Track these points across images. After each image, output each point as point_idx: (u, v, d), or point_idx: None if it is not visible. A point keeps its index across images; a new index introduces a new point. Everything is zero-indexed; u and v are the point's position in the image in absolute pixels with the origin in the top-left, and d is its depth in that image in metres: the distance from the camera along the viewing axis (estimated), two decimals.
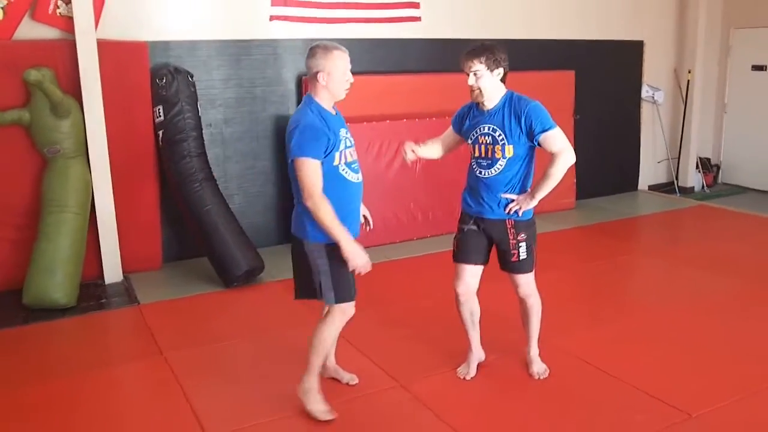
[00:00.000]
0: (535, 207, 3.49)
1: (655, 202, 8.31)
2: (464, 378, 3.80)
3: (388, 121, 6.38)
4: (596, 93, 7.92)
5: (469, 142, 3.55)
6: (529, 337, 3.80)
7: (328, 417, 3.36)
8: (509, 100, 3.44)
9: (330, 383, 3.70)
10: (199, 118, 5.63)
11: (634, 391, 3.63)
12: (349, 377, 3.79)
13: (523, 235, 3.50)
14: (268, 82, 6.23)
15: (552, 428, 3.35)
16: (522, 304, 3.72)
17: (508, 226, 3.49)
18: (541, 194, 3.42)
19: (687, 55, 8.71)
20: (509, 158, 3.39)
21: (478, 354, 3.87)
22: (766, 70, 8.69)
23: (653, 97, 8.55)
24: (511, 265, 3.57)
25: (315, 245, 3.30)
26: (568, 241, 6.60)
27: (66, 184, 5.05)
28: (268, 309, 4.96)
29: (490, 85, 3.39)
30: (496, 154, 3.41)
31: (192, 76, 5.61)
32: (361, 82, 6.52)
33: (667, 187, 8.96)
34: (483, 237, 3.59)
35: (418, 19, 6.82)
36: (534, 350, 3.82)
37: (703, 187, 8.98)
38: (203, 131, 5.68)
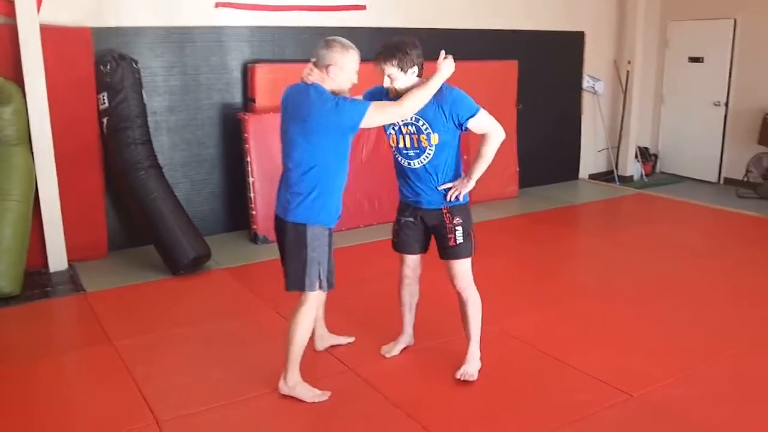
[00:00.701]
0: (469, 193, 3.52)
1: (595, 191, 8.57)
2: (385, 355, 3.93)
3: None
4: (538, 83, 8.10)
5: (391, 132, 3.50)
6: (468, 336, 3.71)
7: (325, 397, 3.47)
8: None
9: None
10: (144, 105, 5.58)
11: (576, 373, 3.77)
12: (347, 339, 4.09)
13: (458, 219, 3.50)
14: (213, 70, 6.20)
15: (494, 409, 3.46)
16: (459, 299, 3.66)
17: (444, 212, 3.50)
18: (477, 175, 3.46)
19: (626, 47, 8.97)
20: (437, 145, 3.40)
21: (407, 337, 4.00)
22: (702, 61, 9.01)
23: (594, 88, 8.78)
24: (448, 251, 3.54)
25: (320, 229, 3.33)
26: (512, 228, 6.76)
27: (9, 172, 4.96)
28: (216, 296, 4.98)
29: (405, 84, 3.33)
30: (422, 143, 3.40)
31: (136, 63, 5.55)
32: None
33: (607, 176, 9.22)
34: (420, 227, 3.62)
35: (363, 7, 6.88)
36: (472, 349, 3.72)
37: (641, 175, 9.27)
38: (148, 119, 5.63)
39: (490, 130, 3.44)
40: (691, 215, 7.34)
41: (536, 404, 3.48)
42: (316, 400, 3.45)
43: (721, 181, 9.00)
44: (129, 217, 5.78)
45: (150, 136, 5.59)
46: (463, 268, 3.58)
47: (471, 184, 3.48)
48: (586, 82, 8.73)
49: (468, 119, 3.37)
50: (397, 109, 3.25)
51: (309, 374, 3.66)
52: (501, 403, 3.51)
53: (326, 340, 4.03)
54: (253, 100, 6.19)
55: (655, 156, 9.65)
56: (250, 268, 5.59)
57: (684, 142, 9.38)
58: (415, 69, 3.35)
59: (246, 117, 6.03)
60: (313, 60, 3.29)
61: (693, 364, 3.89)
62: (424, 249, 3.71)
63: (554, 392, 3.59)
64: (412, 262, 3.74)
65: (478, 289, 3.67)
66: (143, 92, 5.58)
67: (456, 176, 3.51)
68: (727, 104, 8.81)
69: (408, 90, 3.31)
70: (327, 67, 3.24)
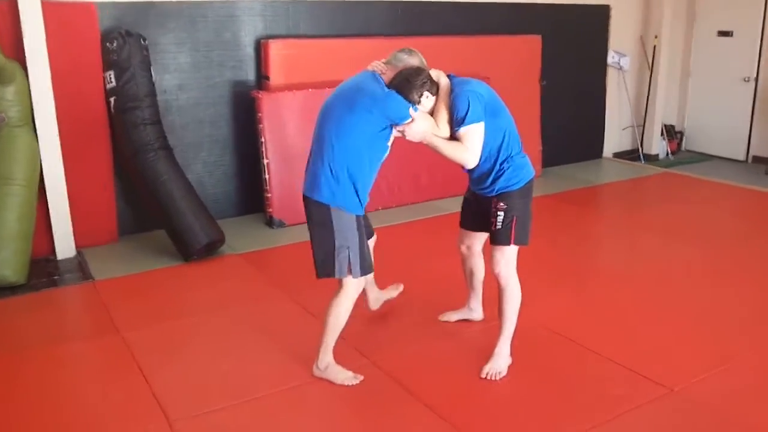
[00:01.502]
0: (525, 182, 3.40)
1: (620, 170, 8.27)
2: (440, 319, 4.03)
3: None
4: (562, 59, 7.79)
5: None
6: (501, 329, 3.52)
7: (356, 380, 3.40)
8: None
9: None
10: (153, 84, 5.34)
11: (611, 365, 3.55)
12: (397, 288, 4.23)
13: (502, 204, 3.37)
14: (225, 46, 5.94)
15: (524, 405, 3.25)
16: (498, 286, 3.49)
17: (493, 197, 3.42)
18: (433, 140, 3.26)
19: (653, 20, 8.61)
20: None
21: (467, 310, 4.03)
22: (731, 35, 8.65)
23: (619, 63, 8.46)
24: (491, 235, 3.46)
25: (350, 217, 3.25)
26: (536, 210, 6.42)
27: (12, 155, 4.75)
28: (230, 284, 4.76)
29: (427, 108, 3.32)
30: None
31: (144, 40, 5.31)
32: (323, 46, 6.35)
33: (631, 155, 8.92)
34: (474, 205, 3.62)
35: None
36: (501, 345, 3.51)
37: (667, 154, 8.97)
38: (157, 98, 5.39)
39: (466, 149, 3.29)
40: (719, 195, 7.05)
41: (570, 400, 3.26)
42: (347, 383, 3.37)
43: (749, 160, 8.68)
44: (139, 200, 5.57)
45: (159, 116, 5.36)
46: (499, 254, 3.42)
47: (414, 128, 3.22)
48: (611, 58, 8.40)
49: (456, 129, 3.27)
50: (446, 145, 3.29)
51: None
52: (531, 399, 3.29)
53: (380, 299, 4.11)
54: (267, 78, 5.94)
55: (681, 134, 9.33)
56: (266, 254, 5.37)
57: (711, 120, 9.04)
58: (428, 95, 3.29)
59: (260, 95, 5.79)
60: (388, 59, 3.36)
61: (734, 354, 3.68)
62: (478, 227, 3.65)
63: (589, 386, 3.38)
64: (466, 237, 3.78)
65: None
66: (152, 70, 5.35)
67: (503, 164, 3.36)
68: (756, 80, 8.46)
69: (433, 111, 3.33)
70: (399, 69, 3.29)
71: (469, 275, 3.92)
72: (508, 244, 3.39)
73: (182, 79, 5.79)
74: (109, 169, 5.46)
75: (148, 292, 4.62)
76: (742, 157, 8.74)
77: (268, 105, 5.79)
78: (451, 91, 3.29)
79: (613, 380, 3.41)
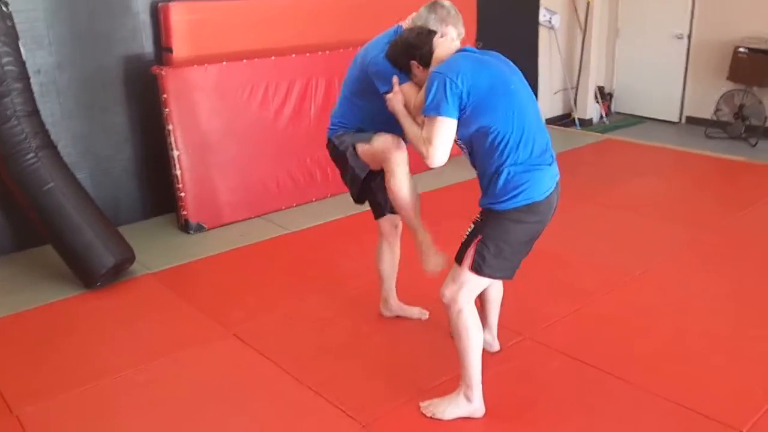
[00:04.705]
0: (518, 204, 2.55)
1: (557, 138, 7.40)
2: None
3: (273, 57, 5.15)
4: (495, 17, 7.02)
5: None
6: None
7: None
8: None
9: None
10: (23, 63, 4.11)
11: (652, 399, 2.86)
12: (419, 312, 3.55)
13: (478, 217, 2.65)
14: (112, 12, 4.78)
15: None
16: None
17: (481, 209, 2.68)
18: (402, 120, 2.71)
19: None
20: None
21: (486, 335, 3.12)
22: None
23: (550, 22, 7.80)
24: None
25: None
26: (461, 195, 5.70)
27: None
28: (150, 318, 3.73)
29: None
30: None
31: (7, 5, 4.06)
32: (235, 8, 5.25)
33: (564, 120, 8.35)
34: None
35: None
36: (456, 392, 2.78)
37: (601, 117, 8.45)
38: (30, 81, 4.18)
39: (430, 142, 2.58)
40: (673, 163, 6.54)
41: None
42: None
43: (683, 121, 8.30)
44: (20, 211, 4.37)
45: (36, 105, 4.14)
46: (451, 273, 2.69)
47: (391, 101, 2.75)
48: (543, 16, 7.73)
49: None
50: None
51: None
52: None
53: (393, 307, 3.55)
54: (170, 50, 4.82)
55: (610, 95, 8.83)
56: (187, 271, 4.34)
57: (642, 80, 8.55)
58: (415, 64, 2.69)
59: (162, 72, 4.67)
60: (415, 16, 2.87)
61: None
62: None
63: (627, 422, 2.70)
64: None
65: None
66: (20, 45, 4.13)
67: (503, 187, 2.54)
68: (689, 37, 8.03)
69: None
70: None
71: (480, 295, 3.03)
72: (460, 263, 2.63)
73: (61, 56, 4.60)
74: None
75: (43, 339, 3.51)
76: (675, 118, 8.33)
77: (174, 83, 4.70)
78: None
79: (663, 422, 2.72)
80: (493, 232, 2.56)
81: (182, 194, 4.82)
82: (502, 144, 2.49)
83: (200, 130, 4.84)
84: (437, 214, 4.44)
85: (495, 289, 3.07)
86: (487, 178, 2.57)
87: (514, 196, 2.51)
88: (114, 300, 3.93)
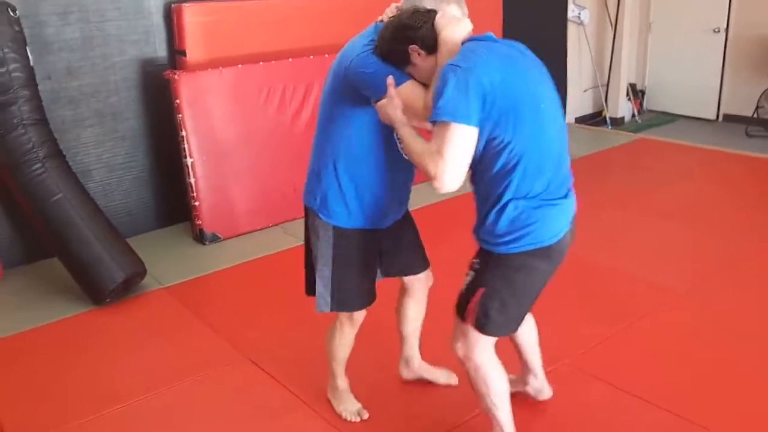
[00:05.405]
0: (523, 249, 2.12)
1: (588, 138, 7.28)
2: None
3: (290, 59, 4.93)
4: (522, 13, 6.74)
5: None
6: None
7: (358, 418, 2.75)
8: None
9: None
10: (32, 69, 3.94)
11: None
12: (447, 377, 2.92)
13: (477, 261, 2.21)
14: (125, 14, 4.58)
15: None
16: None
17: (477, 240, 2.23)
18: (401, 131, 2.08)
19: None
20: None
21: (521, 383, 2.73)
22: None
23: (579, 17, 7.51)
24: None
25: (323, 225, 2.43)
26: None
27: None
28: (163, 339, 3.53)
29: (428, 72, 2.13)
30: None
31: (14, 10, 3.89)
32: (252, 8, 5.04)
33: (594, 119, 8.04)
34: None
35: None
36: None
37: (633, 115, 8.13)
38: (38, 88, 4.00)
39: (439, 155, 2.01)
40: (716, 165, 6.10)
41: None
42: (345, 416, 2.75)
43: (720, 118, 7.95)
44: (27, 223, 4.20)
45: (44, 113, 3.97)
46: (458, 329, 2.29)
47: (384, 106, 2.10)
48: (572, 11, 7.44)
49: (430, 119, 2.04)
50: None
51: None
52: None
53: (415, 368, 2.93)
54: (183, 53, 4.63)
55: (642, 93, 8.51)
56: (202, 284, 4.15)
57: (676, 76, 8.20)
58: (416, 50, 2.10)
59: (175, 76, 4.47)
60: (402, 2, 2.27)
61: None
62: None
63: None
64: None
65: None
66: (28, 50, 3.95)
67: (502, 215, 2.09)
68: (727, 30, 7.67)
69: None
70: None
71: (512, 339, 2.61)
72: (463, 319, 2.25)
73: (71, 61, 4.42)
74: None
75: (50, 362, 3.34)
76: (712, 115, 7.98)
77: (188, 88, 4.50)
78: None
79: None
80: (497, 284, 2.16)
81: (196, 203, 4.63)
82: (518, 169, 2.03)
83: (215, 136, 4.64)
84: (444, 226, 4.26)
85: (527, 331, 2.58)
86: (489, 208, 2.10)
87: (519, 238, 2.09)
88: (124, 317, 3.74)
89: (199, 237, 4.69)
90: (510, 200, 2.06)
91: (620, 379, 2.94)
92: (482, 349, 2.26)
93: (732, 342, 3.24)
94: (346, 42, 2.34)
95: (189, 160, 4.55)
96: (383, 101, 2.10)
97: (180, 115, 4.49)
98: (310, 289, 2.57)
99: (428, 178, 1.99)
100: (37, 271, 4.33)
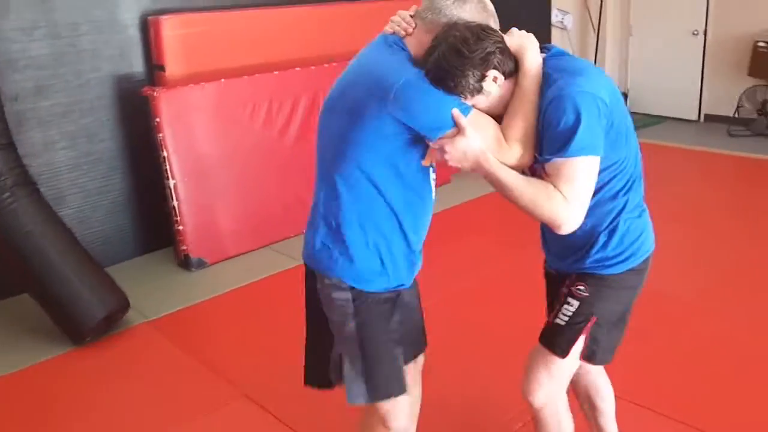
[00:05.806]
0: (638, 261, 1.93)
1: None
2: None
3: (276, 72, 4.67)
4: (507, 19, 6.57)
5: None
6: None
7: None
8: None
9: None
10: None
11: None
12: None
13: (581, 287, 1.92)
14: (98, 28, 4.31)
15: None
16: (532, 416, 2.11)
17: (570, 271, 1.98)
18: (498, 173, 1.72)
19: None
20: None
21: None
22: None
23: (562, 22, 7.41)
24: (544, 331, 2.02)
25: (340, 286, 1.89)
26: (486, 207, 4.74)
27: None
28: (150, 377, 3.25)
29: (490, 102, 1.78)
30: (541, 174, 1.77)
31: None
32: (233, 19, 4.77)
33: None
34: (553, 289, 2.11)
35: None
36: None
37: None
38: (5, 110, 3.69)
39: (565, 195, 1.71)
40: (700, 164, 6.15)
41: None
42: None
43: (702, 119, 7.90)
44: None
45: (10, 137, 3.65)
46: (543, 365, 1.99)
47: (459, 144, 1.70)
48: (555, 17, 7.33)
49: (553, 156, 1.69)
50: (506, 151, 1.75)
51: None
52: None
53: None
54: (162, 68, 4.35)
55: (625, 95, 8.42)
56: (189, 315, 3.86)
57: (656, 78, 8.14)
58: (493, 74, 1.74)
59: (155, 93, 4.19)
60: (419, 10, 1.84)
61: None
62: None
63: None
64: None
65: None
66: None
67: (615, 232, 1.88)
68: (705, 33, 7.62)
69: (505, 103, 1.78)
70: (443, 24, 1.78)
71: (584, 399, 2.32)
72: (564, 356, 1.95)
73: (40, 79, 4.11)
74: None
75: (24, 414, 3.02)
76: (693, 116, 7.93)
77: (168, 105, 4.22)
78: (544, 80, 1.74)
79: None
80: (610, 308, 1.95)
81: (180, 227, 4.34)
82: (626, 187, 1.86)
83: (198, 155, 4.36)
84: (459, 229, 4.06)
85: (603, 380, 2.28)
86: (596, 235, 1.87)
87: (633, 254, 1.91)
88: (107, 358, 3.44)
89: (184, 263, 4.40)
90: (620, 217, 1.88)
91: (624, 390, 2.75)
92: (563, 393, 2.05)
93: (745, 350, 3.10)
94: (334, 54, 2.00)
95: (171, 182, 4.27)
96: (448, 138, 1.71)
97: (161, 135, 4.21)
98: (314, 378, 2.12)
99: (551, 221, 1.70)
100: (8, 309, 4.00)
